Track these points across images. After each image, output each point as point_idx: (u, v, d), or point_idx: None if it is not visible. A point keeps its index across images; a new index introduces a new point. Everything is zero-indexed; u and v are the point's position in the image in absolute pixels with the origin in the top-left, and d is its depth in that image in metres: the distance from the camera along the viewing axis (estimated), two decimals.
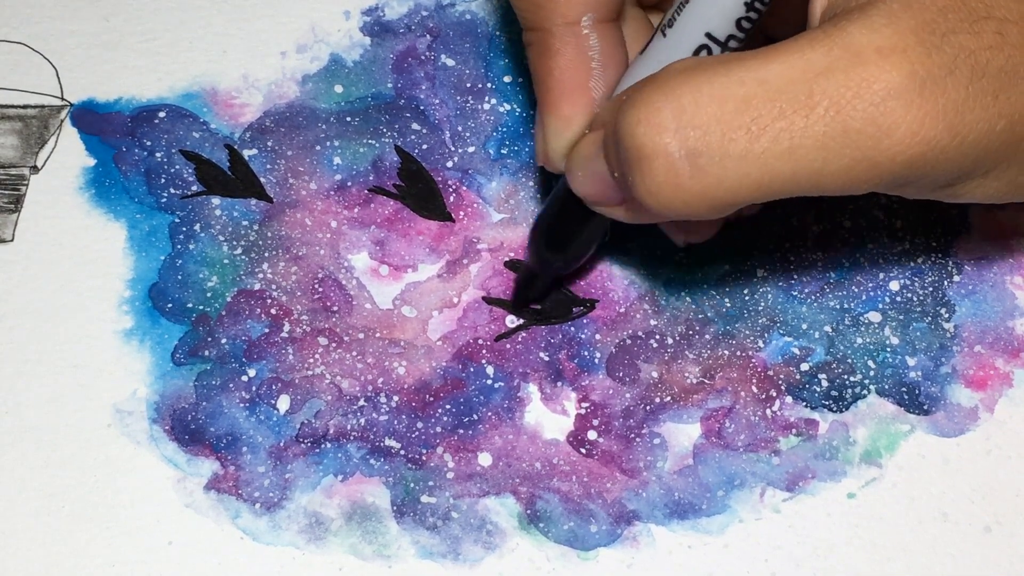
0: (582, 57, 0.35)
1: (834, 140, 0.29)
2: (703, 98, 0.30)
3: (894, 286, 0.40)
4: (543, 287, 0.39)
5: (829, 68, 0.29)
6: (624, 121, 0.31)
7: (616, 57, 0.35)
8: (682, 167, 0.30)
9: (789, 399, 0.38)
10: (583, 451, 0.38)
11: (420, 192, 0.42)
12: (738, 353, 0.39)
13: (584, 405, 0.38)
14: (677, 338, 0.39)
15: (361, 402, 0.38)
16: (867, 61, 0.29)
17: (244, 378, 0.38)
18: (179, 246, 0.41)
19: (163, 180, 0.42)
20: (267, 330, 0.39)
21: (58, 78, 0.44)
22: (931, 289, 0.40)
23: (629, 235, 0.41)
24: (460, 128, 0.43)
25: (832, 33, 0.29)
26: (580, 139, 0.34)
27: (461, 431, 0.38)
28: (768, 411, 0.38)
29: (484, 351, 0.39)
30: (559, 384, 0.39)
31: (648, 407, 0.38)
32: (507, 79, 0.44)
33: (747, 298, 0.40)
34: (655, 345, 0.39)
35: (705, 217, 0.32)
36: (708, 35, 0.32)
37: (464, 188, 0.42)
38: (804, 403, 0.38)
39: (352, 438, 0.38)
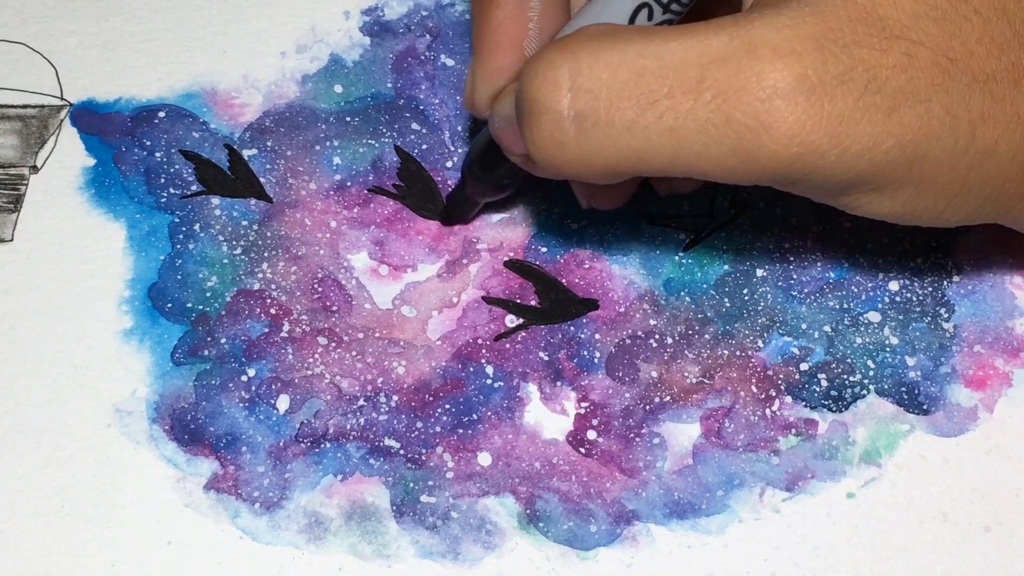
0: (521, 13, 0.35)
1: (716, 128, 0.30)
2: (600, 64, 0.30)
3: (894, 286, 0.40)
4: (472, 209, 0.41)
5: (725, 57, 0.30)
6: (525, 74, 0.31)
7: (556, 17, 0.35)
8: (568, 127, 0.31)
9: (789, 399, 0.38)
10: (583, 451, 0.38)
11: (420, 192, 0.42)
12: (738, 353, 0.39)
13: (584, 405, 0.38)
14: (677, 338, 0.39)
15: (361, 402, 0.38)
16: (761, 57, 0.30)
17: (244, 378, 0.38)
18: (179, 246, 0.41)
19: (163, 180, 0.42)
20: (267, 330, 0.39)
21: (58, 78, 0.44)
22: (931, 289, 0.40)
23: (629, 235, 0.41)
24: (460, 128, 0.43)
25: (740, 23, 0.30)
26: (504, 88, 0.35)
27: (461, 431, 0.38)
28: (768, 411, 0.38)
29: (484, 351, 0.39)
30: (559, 384, 0.39)
31: (648, 407, 0.38)
32: None
33: (747, 298, 0.40)
34: (655, 345, 0.39)
35: (589, 180, 0.33)
36: None
37: None
38: (804, 403, 0.38)
39: (352, 438, 0.38)
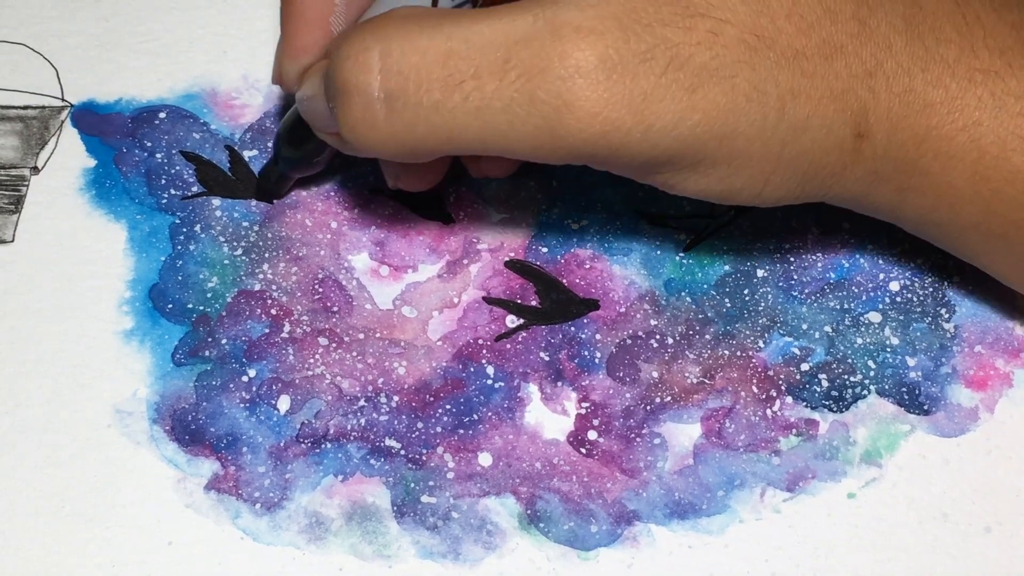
0: None
1: (521, 107, 0.31)
2: (409, 46, 0.31)
3: (894, 286, 0.40)
4: (285, 184, 0.41)
5: (529, 38, 0.30)
6: (336, 55, 0.32)
7: None
8: (379, 108, 0.31)
9: (789, 399, 0.38)
10: (583, 451, 0.38)
11: (420, 192, 0.42)
12: (738, 353, 0.39)
13: (584, 405, 0.38)
14: (677, 338, 0.39)
15: (361, 402, 0.38)
16: (564, 38, 0.30)
17: (244, 378, 0.38)
18: (179, 247, 0.41)
19: (163, 181, 0.42)
20: (267, 330, 0.39)
21: (58, 79, 0.44)
22: (931, 289, 0.40)
23: (630, 235, 0.41)
24: None
25: (545, 4, 0.31)
26: (312, 66, 0.35)
27: (461, 431, 0.38)
28: (768, 411, 0.38)
29: (484, 351, 0.39)
30: (559, 384, 0.39)
31: (648, 407, 0.38)
32: None
33: (747, 298, 0.40)
34: (655, 345, 0.39)
35: (400, 159, 0.33)
36: None
37: (464, 188, 0.42)
38: (804, 403, 0.38)
39: (352, 438, 0.38)
